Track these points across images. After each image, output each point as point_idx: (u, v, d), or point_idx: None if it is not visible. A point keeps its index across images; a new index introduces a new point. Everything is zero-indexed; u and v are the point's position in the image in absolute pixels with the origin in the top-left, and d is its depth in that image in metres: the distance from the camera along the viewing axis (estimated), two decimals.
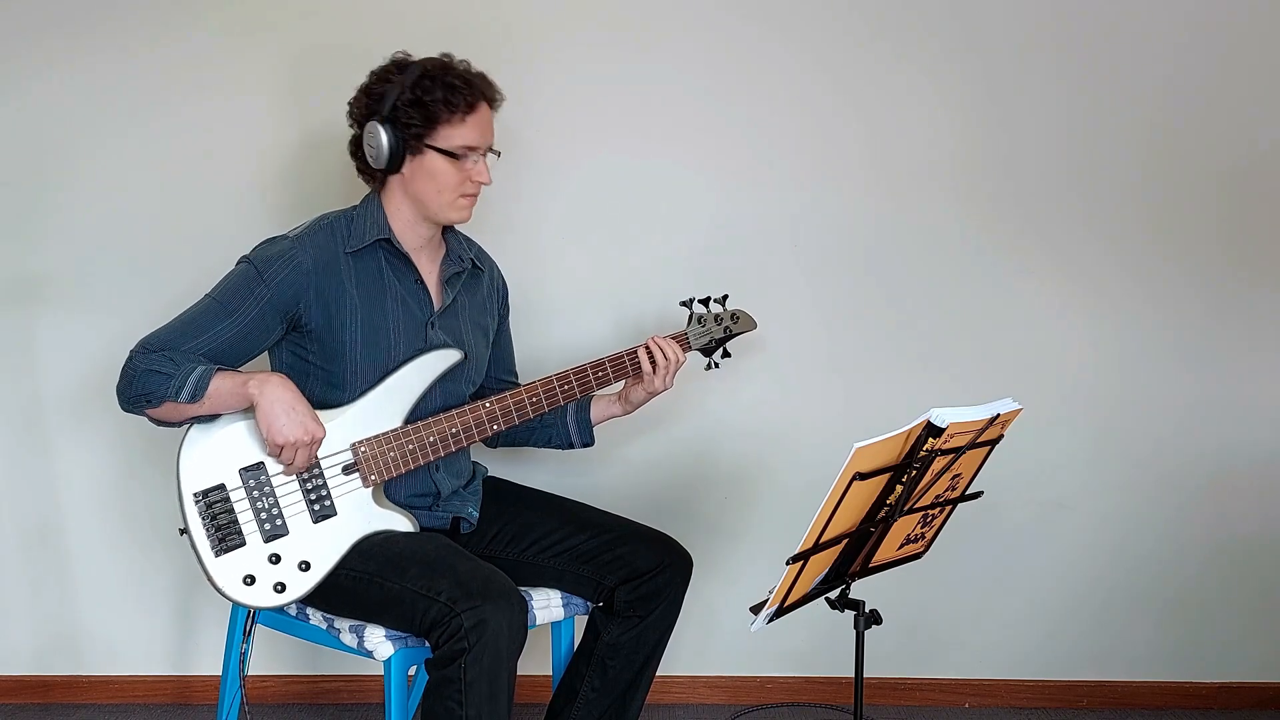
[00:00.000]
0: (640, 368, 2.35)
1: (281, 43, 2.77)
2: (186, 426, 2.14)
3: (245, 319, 2.15)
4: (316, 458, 2.15)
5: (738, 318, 2.49)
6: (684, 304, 2.45)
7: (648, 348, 2.35)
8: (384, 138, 2.19)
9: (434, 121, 2.17)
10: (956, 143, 2.82)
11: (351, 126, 2.26)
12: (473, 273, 2.37)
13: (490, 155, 2.26)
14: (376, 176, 2.26)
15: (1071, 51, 2.80)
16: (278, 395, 2.09)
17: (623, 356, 2.35)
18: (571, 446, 2.48)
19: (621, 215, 2.82)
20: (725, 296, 2.49)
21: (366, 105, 2.23)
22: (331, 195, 2.63)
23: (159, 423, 2.17)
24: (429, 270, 2.30)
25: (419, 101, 2.17)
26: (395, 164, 2.21)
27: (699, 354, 2.47)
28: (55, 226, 2.81)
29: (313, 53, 2.76)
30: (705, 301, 2.46)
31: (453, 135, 2.19)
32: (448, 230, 2.34)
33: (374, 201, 2.26)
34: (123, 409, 2.16)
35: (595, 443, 2.49)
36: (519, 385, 2.50)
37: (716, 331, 2.46)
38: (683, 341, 2.42)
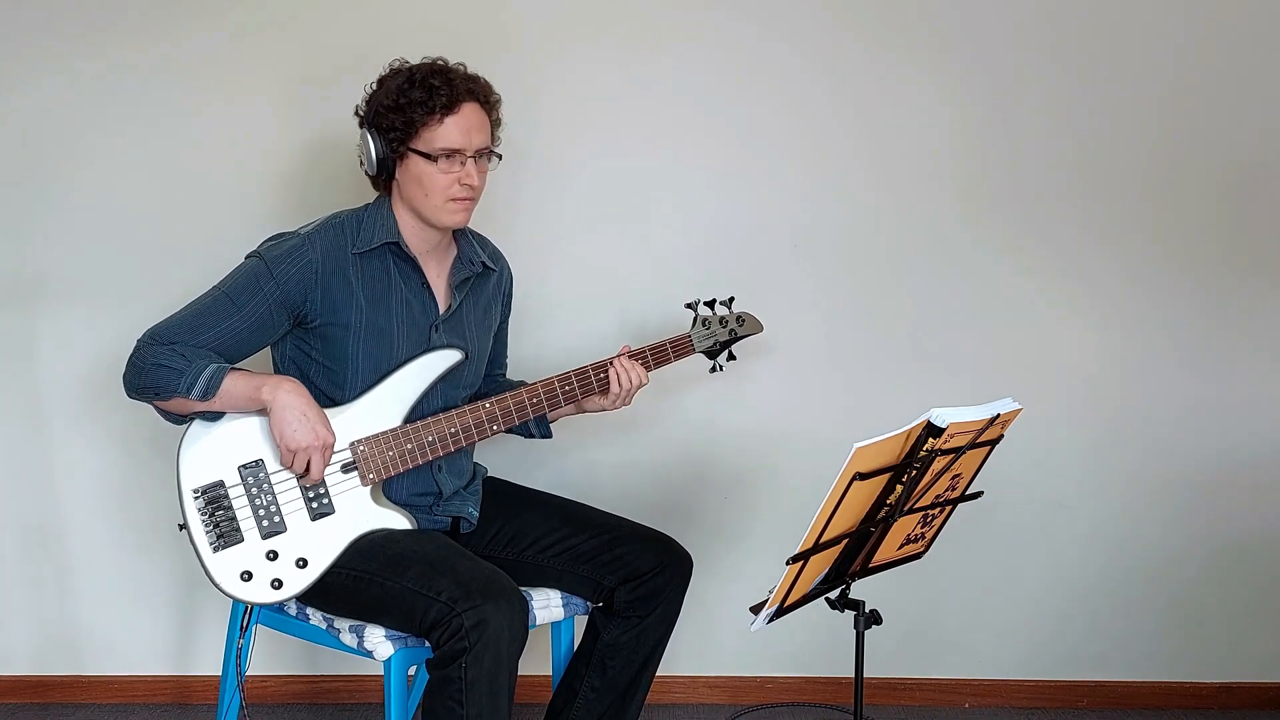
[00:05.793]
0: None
1: (286, 43, 2.76)
2: (188, 423, 2.14)
3: (253, 315, 2.15)
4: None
5: (743, 320, 2.47)
6: (689, 306, 2.44)
7: (614, 367, 2.32)
8: (372, 146, 2.19)
9: (413, 124, 2.15)
10: (958, 143, 2.82)
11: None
12: (482, 274, 2.35)
13: (492, 159, 2.24)
14: (382, 182, 2.25)
15: (1073, 51, 2.80)
16: (290, 401, 2.10)
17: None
18: (531, 436, 2.47)
19: (624, 216, 2.82)
20: (731, 299, 2.48)
21: (363, 113, 2.22)
22: (336, 197, 2.62)
23: (164, 413, 2.17)
24: (437, 274, 2.29)
25: (398, 105, 2.15)
26: (385, 171, 2.21)
27: (703, 356, 2.46)
28: (56, 224, 2.80)
29: (317, 54, 2.76)
30: (711, 304, 2.44)
31: (433, 138, 2.15)
32: (459, 232, 2.31)
33: (385, 205, 2.25)
34: (128, 396, 2.16)
35: (553, 436, 2.47)
36: (507, 380, 2.50)
37: (721, 334, 2.45)
38: (685, 346, 2.41)
